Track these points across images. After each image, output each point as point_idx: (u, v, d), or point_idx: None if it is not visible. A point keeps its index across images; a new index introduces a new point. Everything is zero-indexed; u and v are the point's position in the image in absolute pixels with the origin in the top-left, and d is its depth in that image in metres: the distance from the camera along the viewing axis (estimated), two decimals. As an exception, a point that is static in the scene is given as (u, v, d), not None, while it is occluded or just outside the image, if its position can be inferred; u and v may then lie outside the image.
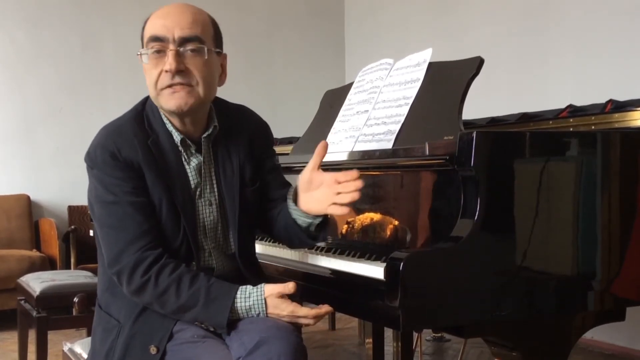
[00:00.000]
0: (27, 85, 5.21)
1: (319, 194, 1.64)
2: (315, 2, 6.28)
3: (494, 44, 4.63)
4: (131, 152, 1.64)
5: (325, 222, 1.72)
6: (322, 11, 6.30)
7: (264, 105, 4.60)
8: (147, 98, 1.76)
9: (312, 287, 1.86)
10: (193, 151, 1.72)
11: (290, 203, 1.72)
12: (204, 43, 1.66)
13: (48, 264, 4.63)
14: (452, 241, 1.55)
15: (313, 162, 1.65)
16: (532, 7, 4.44)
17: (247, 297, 1.60)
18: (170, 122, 1.71)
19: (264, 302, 1.60)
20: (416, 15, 5.41)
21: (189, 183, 1.71)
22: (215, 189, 1.75)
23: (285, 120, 5.31)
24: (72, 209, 5.19)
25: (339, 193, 1.60)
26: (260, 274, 1.83)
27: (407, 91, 2.02)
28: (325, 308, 1.62)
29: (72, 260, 4.79)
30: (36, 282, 3.16)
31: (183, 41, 1.64)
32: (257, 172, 1.80)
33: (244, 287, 1.62)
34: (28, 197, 5.09)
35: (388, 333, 3.01)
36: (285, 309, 1.60)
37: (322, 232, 1.73)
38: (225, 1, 5.64)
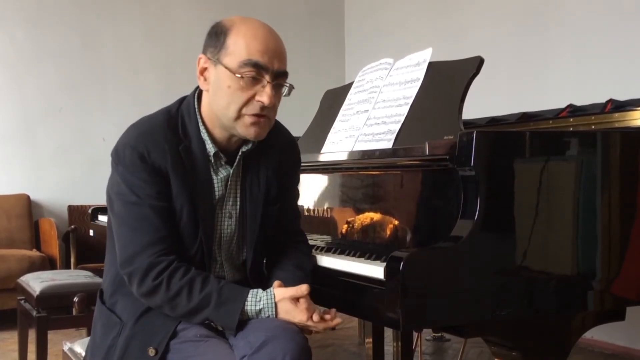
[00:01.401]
0: (27, 84, 5.21)
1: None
2: (315, 2, 6.28)
3: (494, 44, 4.63)
4: (160, 156, 1.63)
5: None
6: (322, 11, 6.30)
7: (264, 105, 4.60)
8: (182, 100, 1.74)
9: (312, 286, 1.86)
10: (223, 163, 1.71)
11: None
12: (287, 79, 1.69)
13: (48, 263, 4.62)
14: (452, 241, 1.55)
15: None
16: (532, 7, 4.44)
17: (258, 300, 1.61)
18: (208, 132, 1.69)
19: (274, 306, 1.60)
20: (416, 15, 5.41)
21: (213, 193, 1.70)
22: (238, 203, 1.75)
23: (285, 120, 5.30)
24: (72, 209, 5.19)
25: None
26: (266, 285, 1.83)
27: (407, 91, 2.02)
28: (335, 321, 1.63)
29: (72, 260, 4.79)
30: (36, 282, 3.16)
31: (278, 75, 1.65)
32: (281, 192, 1.80)
33: (255, 290, 1.62)
34: (28, 197, 5.09)
35: (388, 333, 3.00)
36: (296, 317, 1.60)
37: None
38: (225, 1, 5.64)
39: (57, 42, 5.30)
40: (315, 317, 1.61)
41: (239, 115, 1.64)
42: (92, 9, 5.40)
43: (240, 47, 1.61)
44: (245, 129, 1.65)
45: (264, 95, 1.62)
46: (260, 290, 1.62)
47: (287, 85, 1.68)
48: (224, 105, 1.64)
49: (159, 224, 1.62)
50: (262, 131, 1.67)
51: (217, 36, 1.65)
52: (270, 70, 1.62)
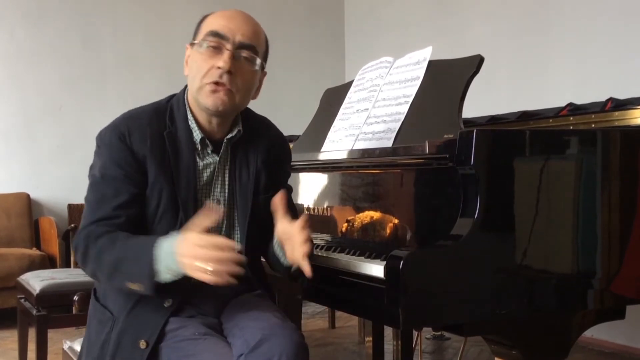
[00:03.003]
0: (27, 82, 5.21)
1: (292, 244, 1.62)
2: (315, 2, 6.28)
3: (494, 43, 4.63)
4: (140, 138, 1.66)
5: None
6: (322, 11, 6.29)
7: (264, 104, 4.59)
8: (173, 96, 1.80)
9: (312, 285, 1.86)
10: (209, 151, 1.74)
11: (275, 243, 1.71)
12: (257, 55, 1.72)
13: (48, 262, 4.63)
14: (452, 240, 1.55)
15: (277, 214, 1.64)
16: (532, 6, 4.44)
17: (167, 239, 1.54)
18: (195, 119, 1.73)
19: (176, 239, 1.52)
20: (416, 13, 5.41)
21: (196, 178, 1.72)
22: (226, 190, 1.77)
23: (285, 118, 5.30)
24: (72, 207, 5.19)
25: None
26: (264, 276, 1.85)
27: (407, 89, 2.02)
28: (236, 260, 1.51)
29: (72, 258, 4.79)
30: (36, 281, 3.16)
31: (241, 46, 1.69)
32: (272, 182, 1.81)
33: (164, 237, 1.55)
34: (28, 196, 5.09)
35: (388, 331, 3.01)
36: (187, 244, 1.49)
37: (302, 276, 1.67)
38: (225, 1, 5.63)
39: (57, 40, 5.30)
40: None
41: (201, 85, 1.68)
42: (92, 7, 5.40)
43: (207, 24, 1.71)
44: (206, 98, 1.68)
45: (220, 61, 1.65)
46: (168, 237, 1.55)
47: (257, 59, 1.71)
48: (191, 79, 1.71)
49: (113, 204, 1.63)
50: (221, 102, 1.67)
51: (197, 26, 1.75)
52: (230, 40, 1.67)
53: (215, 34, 1.67)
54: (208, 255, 1.46)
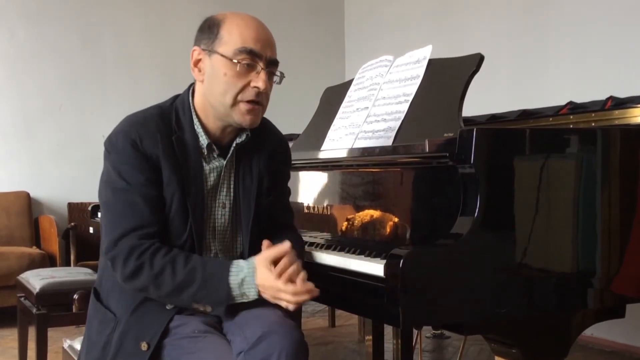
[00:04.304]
0: (26, 82, 5.21)
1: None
2: (315, 2, 6.28)
3: (494, 41, 4.63)
4: (152, 144, 1.66)
5: None
6: (322, 11, 6.29)
7: (263, 103, 4.59)
8: (176, 97, 1.78)
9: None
10: (215, 155, 1.74)
11: None
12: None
13: (48, 261, 4.62)
14: (451, 238, 1.55)
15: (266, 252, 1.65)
16: (532, 5, 4.44)
17: (240, 270, 1.60)
18: (202, 125, 1.73)
19: (253, 271, 1.58)
20: (416, 12, 5.40)
21: (204, 183, 1.72)
22: (232, 193, 1.77)
23: (285, 117, 5.29)
24: (72, 206, 5.19)
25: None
26: None
27: (407, 88, 2.02)
28: (312, 293, 1.59)
29: (72, 257, 4.79)
30: (36, 279, 3.16)
31: (270, 63, 1.70)
32: (274, 185, 1.82)
33: (236, 261, 1.62)
34: (28, 194, 5.09)
35: (388, 330, 3.00)
36: (271, 283, 1.57)
37: None
38: (225, 1, 5.64)
39: (57, 39, 5.30)
40: (298, 283, 1.57)
41: (234, 102, 1.68)
42: (92, 6, 5.39)
43: (234, 36, 1.67)
44: (241, 116, 1.69)
45: (259, 81, 1.67)
46: (241, 261, 1.62)
47: (279, 74, 1.74)
48: (220, 93, 1.68)
49: (145, 210, 1.64)
50: (257, 118, 1.71)
51: (210, 28, 1.71)
52: (263, 57, 1.68)
53: (250, 52, 1.66)
54: (288, 293, 1.56)
